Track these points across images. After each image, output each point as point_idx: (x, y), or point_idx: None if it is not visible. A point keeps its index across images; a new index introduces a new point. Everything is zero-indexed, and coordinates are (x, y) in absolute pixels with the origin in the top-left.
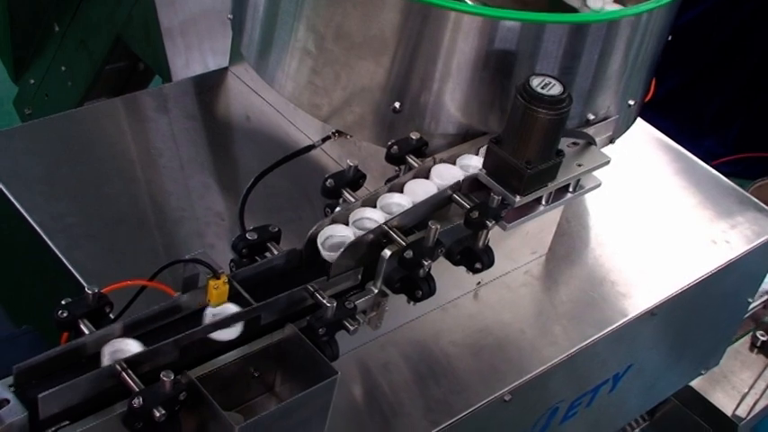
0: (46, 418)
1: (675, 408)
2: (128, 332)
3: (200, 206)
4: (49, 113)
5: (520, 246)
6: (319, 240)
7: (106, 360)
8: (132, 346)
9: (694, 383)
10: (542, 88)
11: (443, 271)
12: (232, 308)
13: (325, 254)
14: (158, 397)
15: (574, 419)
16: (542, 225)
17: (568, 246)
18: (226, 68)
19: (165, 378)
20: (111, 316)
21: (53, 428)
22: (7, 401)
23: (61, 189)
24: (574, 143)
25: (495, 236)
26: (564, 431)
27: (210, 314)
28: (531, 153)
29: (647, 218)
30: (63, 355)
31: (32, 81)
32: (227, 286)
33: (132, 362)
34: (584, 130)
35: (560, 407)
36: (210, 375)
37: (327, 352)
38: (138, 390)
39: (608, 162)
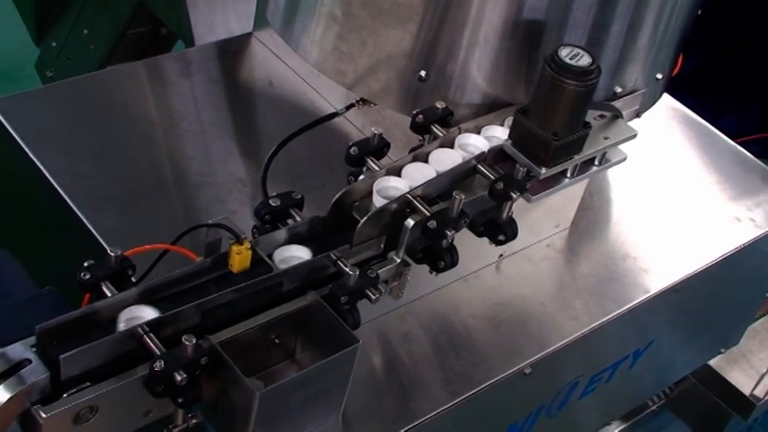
0: (67, 379)
1: (693, 386)
2: (150, 295)
3: (221, 171)
4: (70, 76)
5: (543, 219)
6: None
7: (122, 326)
8: (148, 313)
9: (713, 362)
10: (571, 59)
11: (466, 242)
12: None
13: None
14: (180, 361)
15: (593, 395)
16: (566, 198)
17: (591, 220)
18: (250, 34)
19: (186, 342)
20: (133, 279)
21: (74, 389)
22: (29, 361)
23: (83, 151)
24: (600, 116)
25: (518, 208)
26: (583, 406)
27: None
28: (558, 124)
29: (670, 194)
30: (85, 317)
31: (54, 44)
32: (250, 252)
33: (154, 325)
34: (611, 103)
35: (580, 381)
36: (231, 341)
37: (349, 320)
38: (159, 353)
39: (635, 136)
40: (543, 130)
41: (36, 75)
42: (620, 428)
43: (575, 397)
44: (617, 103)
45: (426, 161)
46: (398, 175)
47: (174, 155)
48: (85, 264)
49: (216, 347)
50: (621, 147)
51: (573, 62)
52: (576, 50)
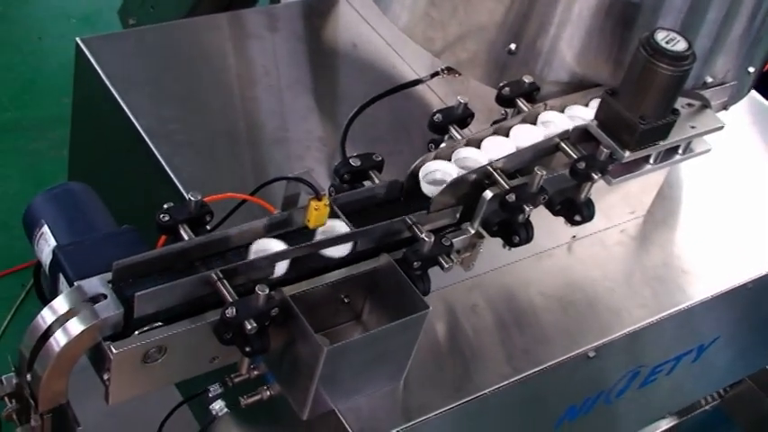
0: (140, 318)
1: (749, 389)
2: (227, 242)
3: (300, 128)
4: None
5: (619, 204)
6: (421, 174)
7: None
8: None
9: None
10: (667, 43)
11: (540, 220)
12: (339, 226)
13: (426, 187)
14: (251, 310)
15: (653, 385)
16: (645, 185)
17: (667, 209)
18: None
19: (259, 291)
20: (208, 227)
21: (145, 328)
22: (104, 297)
23: (167, 96)
24: (689, 104)
25: (595, 191)
26: (641, 396)
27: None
28: (647, 108)
29: (749, 190)
30: (161, 258)
31: None
32: (328, 209)
33: (228, 272)
34: (701, 93)
35: (641, 371)
36: (301, 296)
37: (420, 286)
38: (232, 300)
39: (722, 127)
40: (631, 113)
41: (113, 21)
42: (671, 424)
43: (635, 385)
44: (706, 93)
45: (508, 135)
46: (478, 146)
47: (255, 108)
48: (165, 206)
49: (287, 300)
50: (706, 138)
51: (669, 46)
52: (673, 35)
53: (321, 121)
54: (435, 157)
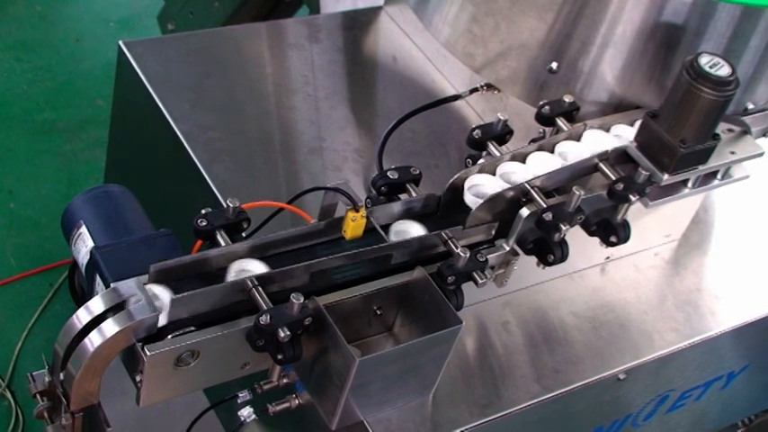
0: (174, 321)
1: None
2: (263, 250)
3: (338, 139)
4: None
5: (654, 227)
6: (467, 185)
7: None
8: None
9: None
10: (710, 67)
11: (575, 240)
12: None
13: (470, 198)
14: (285, 317)
15: (680, 410)
16: (681, 209)
17: (703, 234)
18: (380, 7)
19: (294, 300)
20: (243, 234)
21: (179, 332)
22: (139, 299)
23: (207, 102)
24: (729, 130)
25: (631, 213)
26: (669, 420)
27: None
28: (688, 132)
29: None
30: (198, 263)
31: None
32: (365, 220)
33: (264, 279)
34: (742, 118)
35: (670, 395)
36: (335, 306)
37: (453, 301)
38: (266, 308)
39: (762, 154)
40: (671, 136)
41: (151, 25)
42: None
43: (663, 410)
44: (746, 119)
45: (552, 151)
46: (523, 161)
47: (293, 117)
48: (203, 211)
49: (321, 309)
50: (745, 165)
51: (712, 71)
52: (717, 60)
53: (358, 132)
54: (479, 171)
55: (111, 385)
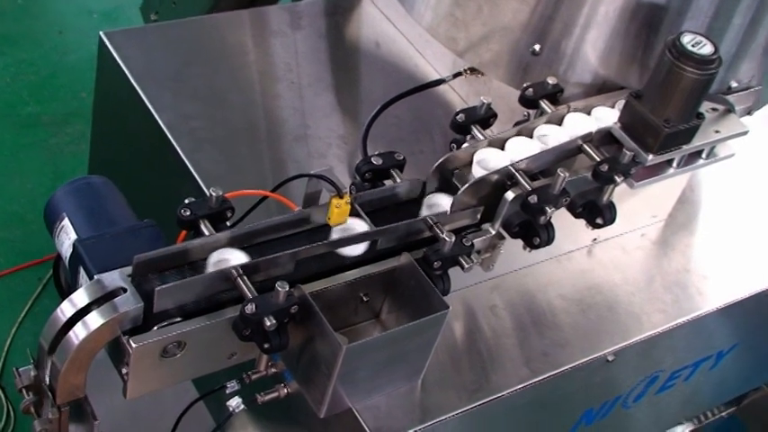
0: (159, 312)
1: (766, 396)
2: (247, 239)
3: (322, 126)
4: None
5: (640, 207)
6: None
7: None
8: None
9: None
10: (693, 46)
11: (561, 222)
12: (358, 225)
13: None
14: (270, 306)
15: (670, 391)
16: (666, 189)
17: (689, 214)
18: None
19: (279, 288)
20: (228, 223)
21: (165, 323)
22: (124, 290)
23: (189, 91)
24: (713, 108)
25: (617, 194)
26: (659, 401)
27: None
28: (672, 112)
29: None
30: (182, 253)
31: None
32: (349, 206)
33: (248, 268)
34: (726, 97)
35: (660, 376)
36: (321, 293)
37: (440, 286)
38: (251, 296)
39: (746, 132)
40: (655, 116)
41: (134, 16)
42: (687, 430)
43: (652, 390)
44: (730, 98)
45: (531, 136)
46: (502, 147)
47: (276, 105)
48: (186, 201)
49: (307, 297)
50: (730, 143)
51: (695, 50)
52: (699, 38)
53: (342, 119)
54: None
55: (97, 378)
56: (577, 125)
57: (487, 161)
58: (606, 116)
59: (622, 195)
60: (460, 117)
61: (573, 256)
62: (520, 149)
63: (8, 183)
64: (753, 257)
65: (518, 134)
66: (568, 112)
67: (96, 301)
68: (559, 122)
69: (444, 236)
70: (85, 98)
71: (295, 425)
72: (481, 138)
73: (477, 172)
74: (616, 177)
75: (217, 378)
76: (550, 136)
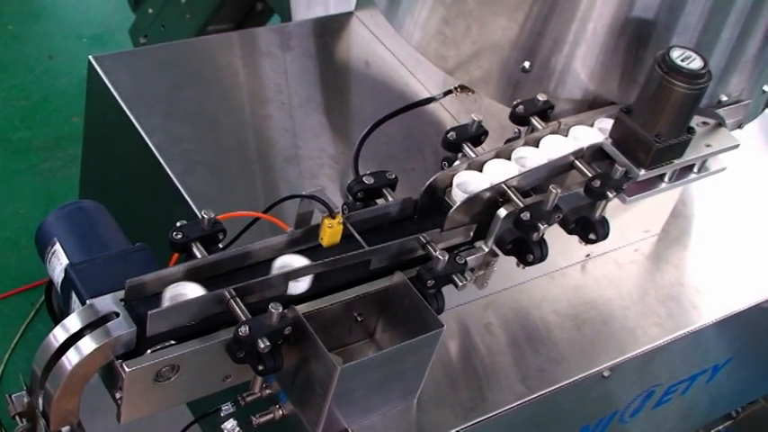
0: (152, 336)
1: (763, 409)
2: (241, 260)
3: (313, 146)
4: None
5: (633, 222)
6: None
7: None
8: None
9: None
10: (682, 61)
11: (554, 238)
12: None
13: (458, 194)
14: (264, 328)
15: (667, 405)
16: (659, 204)
17: (682, 228)
18: (351, 13)
19: (273, 310)
20: (220, 246)
21: (158, 347)
22: (116, 315)
23: (180, 114)
24: (704, 123)
25: (609, 209)
26: (656, 416)
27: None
28: (662, 127)
29: (766, 208)
30: (174, 276)
31: (151, 10)
32: (342, 227)
33: (241, 290)
34: (716, 111)
35: (656, 390)
36: (315, 314)
37: (434, 304)
38: (245, 319)
39: (737, 146)
40: (646, 131)
41: (124, 40)
42: None
43: (649, 405)
44: (721, 112)
45: (509, 159)
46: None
47: (267, 126)
48: (178, 224)
49: (301, 318)
50: (721, 157)
51: (684, 64)
52: (688, 53)
53: (333, 139)
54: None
55: (91, 402)
56: (553, 147)
57: (467, 184)
58: (585, 135)
59: (615, 211)
60: (451, 135)
61: (567, 271)
62: (498, 171)
63: (1, 208)
64: (746, 271)
65: (496, 156)
66: (559, 128)
67: (89, 326)
68: (536, 144)
69: (437, 254)
70: (77, 122)
71: None
72: (473, 155)
73: (457, 195)
74: (608, 193)
75: (211, 401)
76: (528, 158)
